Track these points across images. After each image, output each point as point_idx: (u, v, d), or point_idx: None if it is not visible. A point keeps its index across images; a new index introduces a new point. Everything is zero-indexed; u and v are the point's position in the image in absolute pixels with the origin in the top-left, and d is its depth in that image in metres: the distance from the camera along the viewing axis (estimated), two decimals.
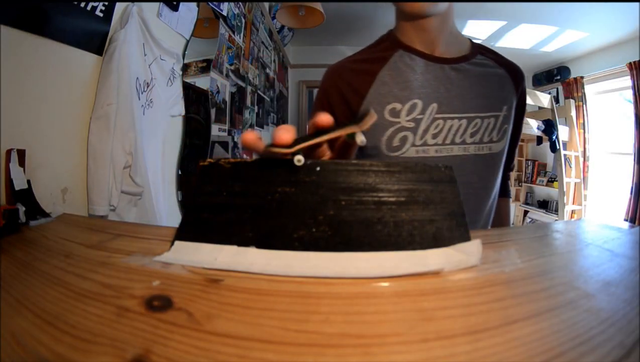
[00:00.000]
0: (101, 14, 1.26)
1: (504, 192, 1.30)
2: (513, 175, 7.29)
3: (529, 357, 0.26)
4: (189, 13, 1.94)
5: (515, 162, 1.41)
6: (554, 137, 5.25)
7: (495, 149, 1.05)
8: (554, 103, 5.35)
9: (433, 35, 1.04)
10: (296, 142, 0.46)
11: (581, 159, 5.73)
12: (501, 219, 1.27)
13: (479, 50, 1.12)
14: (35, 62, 1.02)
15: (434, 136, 1.00)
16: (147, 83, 1.54)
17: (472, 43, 1.14)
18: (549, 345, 0.28)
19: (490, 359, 0.26)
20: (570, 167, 5.59)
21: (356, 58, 1.13)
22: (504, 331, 0.30)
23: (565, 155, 5.43)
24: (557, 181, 5.59)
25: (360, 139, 0.49)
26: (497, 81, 1.08)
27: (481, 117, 1.02)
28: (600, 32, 4.90)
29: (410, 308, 0.34)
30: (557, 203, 5.64)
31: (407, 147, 1.00)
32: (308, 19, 3.31)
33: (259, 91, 3.90)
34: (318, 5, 3.08)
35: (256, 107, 3.79)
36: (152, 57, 1.57)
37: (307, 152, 0.52)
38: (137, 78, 1.44)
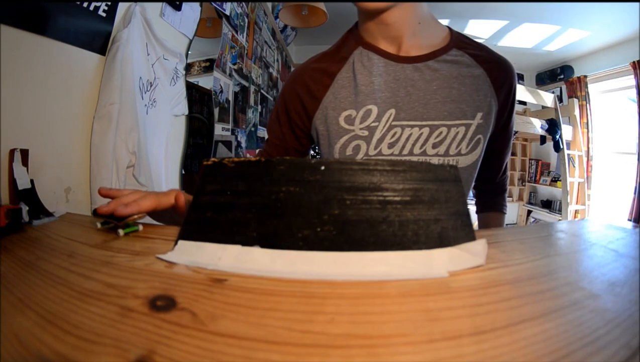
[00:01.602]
0: (104, 14, 1.26)
1: (494, 206, 1.23)
2: (514, 183, 7.26)
3: (536, 357, 0.26)
4: (191, 13, 1.94)
5: (508, 173, 1.29)
6: (557, 137, 5.24)
7: (463, 162, 0.94)
8: (557, 102, 5.34)
9: (396, 28, 0.93)
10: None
11: (585, 159, 5.72)
12: None
13: (457, 44, 0.97)
14: (39, 62, 1.02)
15: (390, 146, 0.92)
16: (150, 83, 1.54)
17: (451, 34, 1.00)
18: (555, 346, 0.28)
19: (497, 360, 0.26)
20: (574, 166, 5.58)
21: (323, 55, 1.04)
22: (510, 331, 0.30)
23: (568, 154, 5.42)
24: (560, 180, 5.59)
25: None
26: (471, 83, 0.94)
27: (447, 126, 0.91)
28: (604, 31, 4.90)
29: (416, 308, 0.33)
30: (560, 203, 5.64)
31: (360, 157, 0.93)
32: (311, 19, 3.31)
33: (262, 90, 3.90)
34: (321, 5, 3.07)
35: (259, 107, 3.80)
36: (155, 56, 1.57)
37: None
38: (140, 78, 1.45)
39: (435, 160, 0.91)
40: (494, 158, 1.09)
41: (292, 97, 1.02)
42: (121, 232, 0.61)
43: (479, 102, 0.93)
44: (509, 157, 1.22)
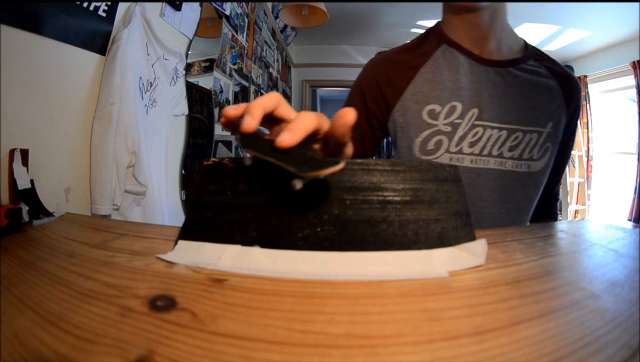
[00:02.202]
0: (104, 14, 1.26)
1: (549, 215, 1.22)
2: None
3: (536, 357, 0.26)
4: (192, 13, 1.94)
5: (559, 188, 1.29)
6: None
7: (534, 168, 0.96)
8: None
9: (482, 31, 0.95)
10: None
11: (585, 159, 5.72)
12: None
13: (533, 55, 1.02)
14: (39, 62, 1.02)
15: (471, 145, 0.92)
16: (150, 83, 1.54)
17: (527, 45, 1.05)
18: (555, 346, 0.28)
19: (497, 360, 0.26)
20: (574, 166, 5.58)
21: (401, 49, 1.05)
22: (510, 331, 0.30)
23: None
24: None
25: (298, 185, 0.41)
26: (546, 93, 0.98)
27: (523, 131, 0.93)
28: (604, 31, 4.89)
29: (416, 308, 0.33)
30: (560, 203, 5.64)
31: (441, 153, 0.93)
32: (311, 18, 3.31)
33: (262, 90, 3.90)
34: (321, 5, 3.07)
35: None
36: (155, 56, 1.57)
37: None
38: (140, 78, 1.44)
39: (509, 164, 0.94)
40: (554, 169, 1.08)
41: (371, 86, 1.02)
42: (299, 185, 0.42)
43: (551, 112, 0.97)
44: (563, 172, 1.23)
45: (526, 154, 0.94)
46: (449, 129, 0.92)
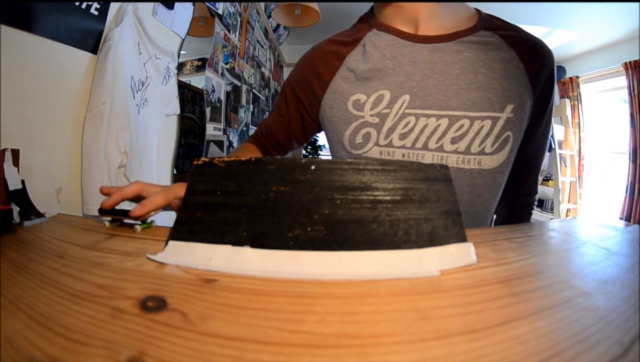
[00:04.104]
0: (96, 12, 1.25)
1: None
2: None
3: (527, 356, 0.26)
4: (184, 11, 1.93)
5: (537, 195, 1.09)
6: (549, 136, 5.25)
7: (486, 164, 0.79)
8: None
9: (411, 9, 0.84)
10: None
11: (576, 158, 5.75)
12: None
13: (485, 25, 0.84)
14: (30, 61, 1.02)
15: (402, 137, 0.82)
16: (142, 82, 1.54)
17: (479, 15, 0.87)
18: (546, 344, 0.28)
19: (488, 359, 0.26)
20: (566, 166, 5.60)
21: (332, 38, 0.96)
22: (501, 329, 0.30)
23: (560, 154, 5.45)
24: (552, 179, 5.60)
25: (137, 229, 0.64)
26: (502, 68, 0.79)
27: (470, 118, 0.78)
28: (596, 33, 4.93)
29: (407, 308, 0.33)
30: (552, 202, 5.66)
31: (370, 146, 0.85)
32: (304, 18, 3.31)
33: (254, 90, 3.90)
34: (314, 4, 3.07)
35: (251, 106, 3.79)
36: (147, 55, 1.57)
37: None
38: (132, 77, 1.44)
39: (454, 159, 0.80)
40: (521, 164, 0.92)
41: (301, 78, 0.97)
42: (138, 228, 0.64)
43: (509, 91, 0.79)
44: (539, 171, 1.05)
45: (475, 146, 0.79)
46: (376, 120, 0.84)
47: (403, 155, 0.82)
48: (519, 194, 1.01)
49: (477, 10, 0.89)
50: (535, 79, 0.81)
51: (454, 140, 0.79)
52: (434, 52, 0.82)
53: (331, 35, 0.98)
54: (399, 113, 0.82)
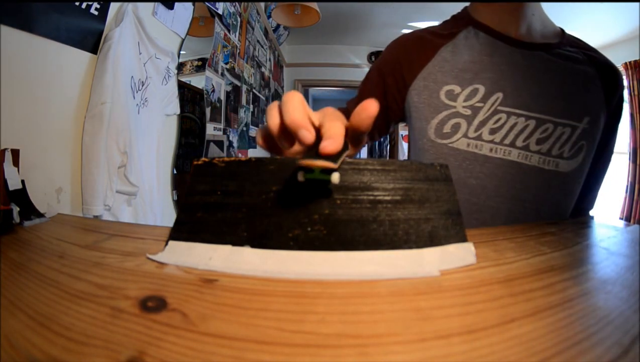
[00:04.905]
0: (96, 12, 1.25)
1: None
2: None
3: (527, 356, 0.26)
4: (184, 11, 1.93)
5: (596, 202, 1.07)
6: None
7: (562, 167, 0.85)
8: None
9: (510, 14, 0.89)
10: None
11: None
12: None
13: (570, 42, 0.94)
14: (30, 61, 1.02)
15: (492, 132, 0.85)
16: (142, 82, 1.54)
17: (564, 33, 0.97)
18: (546, 344, 0.28)
19: (488, 359, 0.26)
20: None
21: (425, 29, 0.99)
22: (501, 329, 0.30)
23: None
24: None
25: (335, 179, 0.42)
26: (583, 82, 0.88)
27: (554, 123, 0.84)
28: (596, 32, 4.91)
29: (407, 308, 0.33)
30: None
31: (458, 137, 0.86)
32: (304, 18, 3.31)
33: (254, 90, 3.90)
34: (314, 4, 3.07)
35: (251, 106, 3.79)
36: (147, 55, 1.57)
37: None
38: (132, 77, 1.44)
39: (536, 158, 0.84)
40: (587, 181, 0.95)
41: (391, 61, 0.97)
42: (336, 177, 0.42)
43: (588, 105, 0.87)
44: (600, 187, 1.06)
45: (555, 150, 0.84)
46: (468, 112, 0.86)
47: (490, 150, 0.85)
48: (578, 208, 1.01)
49: (562, 30, 0.98)
50: (610, 97, 0.90)
51: (539, 141, 0.84)
52: (527, 58, 0.87)
53: (424, 27, 1.00)
54: (492, 108, 0.85)
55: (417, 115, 0.94)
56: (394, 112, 1.01)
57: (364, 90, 1.03)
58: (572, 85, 0.87)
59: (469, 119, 0.86)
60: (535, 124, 0.84)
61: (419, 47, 0.94)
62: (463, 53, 0.90)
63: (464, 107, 0.86)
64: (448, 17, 1.00)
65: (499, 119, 0.85)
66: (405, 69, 0.94)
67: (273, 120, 0.49)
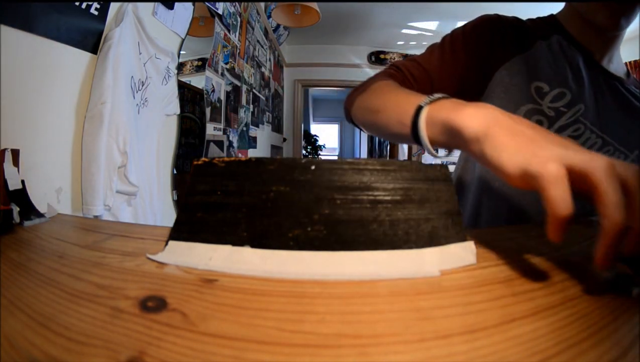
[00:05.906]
0: (96, 12, 1.25)
1: None
2: None
3: (527, 356, 0.26)
4: (184, 11, 1.93)
5: None
6: None
7: None
8: None
9: (604, 44, 0.95)
10: None
11: None
12: None
13: (634, 82, 1.02)
14: (30, 61, 1.02)
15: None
16: (142, 82, 1.54)
17: (629, 73, 1.05)
18: (547, 344, 0.28)
19: (488, 358, 0.26)
20: None
21: (517, 19, 0.97)
22: (502, 329, 0.30)
23: None
24: None
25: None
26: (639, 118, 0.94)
27: (614, 148, 0.90)
28: None
29: (407, 308, 0.33)
30: None
31: None
32: (304, 18, 3.31)
33: (254, 90, 3.90)
34: (314, 4, 3.07)
35: (251, 106, 3.79)
36: (147, 55, 1.57)
37: None
38: (132, 77, 1.44)
39: None
40: None
41: (482, 36, 0.92)
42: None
43: (638, 140, 0.92)
44: None
45: None
46: (552, 113, 0.88)
47: None
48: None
49: (628, 69, 1.05)
50: None
51: None
52: (606, 84, 0.94)
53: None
54: (574, 117, 0.88)
55: (504, 95, 0.91)
56: (471, 85, 0.95)
57: (432, 58, 0.95)
58: (633, 120, 0.93)
59: (551, 121, 0.88)
60: (601, 143, 0.89)
61: (515, 33, 0.93)
62: (556, 58, 0.92)
63: (549, 107, 0.88)
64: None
65: (578, 129, 0.88)
66: (497, 48, 0.91)
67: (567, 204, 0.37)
